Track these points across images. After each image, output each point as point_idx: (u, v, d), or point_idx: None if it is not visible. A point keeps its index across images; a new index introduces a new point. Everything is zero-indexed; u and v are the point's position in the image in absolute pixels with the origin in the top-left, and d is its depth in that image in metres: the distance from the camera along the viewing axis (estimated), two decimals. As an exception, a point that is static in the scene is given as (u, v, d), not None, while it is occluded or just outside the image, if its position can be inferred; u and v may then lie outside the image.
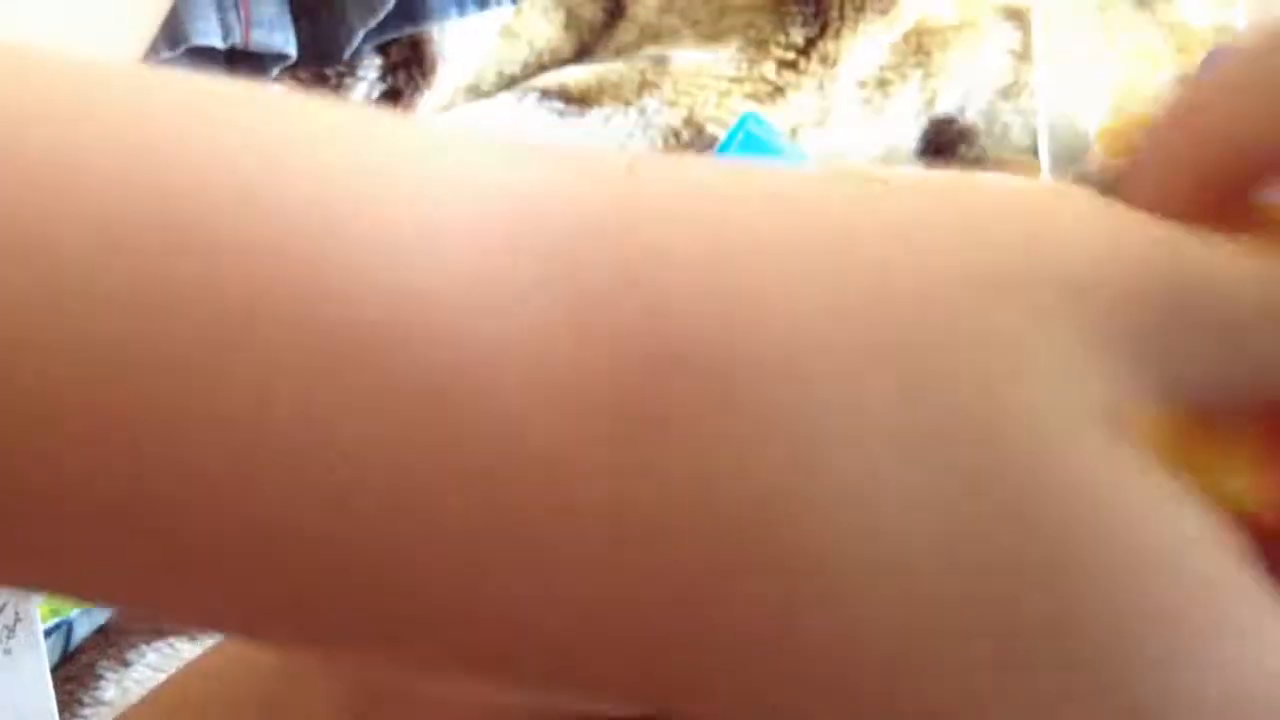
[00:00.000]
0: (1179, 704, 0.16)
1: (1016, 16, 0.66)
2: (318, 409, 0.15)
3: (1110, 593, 0.16)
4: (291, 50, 0.51)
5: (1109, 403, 0.16)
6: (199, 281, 0.15)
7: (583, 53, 0.62)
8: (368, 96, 0.53)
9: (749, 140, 0.49)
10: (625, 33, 0.63)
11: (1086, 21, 0.66)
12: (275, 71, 0.51)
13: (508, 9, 0.56)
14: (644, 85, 0.59)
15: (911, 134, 0.65)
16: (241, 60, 0.51)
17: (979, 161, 0.65)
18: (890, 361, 0.16)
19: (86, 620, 0.48)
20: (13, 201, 0.15)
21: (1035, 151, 0.64)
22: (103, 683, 0.48)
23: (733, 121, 0.57)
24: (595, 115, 0.58)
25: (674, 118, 0.58)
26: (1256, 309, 0.18)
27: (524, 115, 0.57)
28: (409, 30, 0.54)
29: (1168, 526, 0.16)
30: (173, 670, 0.34)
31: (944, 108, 0.65)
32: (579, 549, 0.15)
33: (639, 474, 0.15)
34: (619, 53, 0.62)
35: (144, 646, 0.48)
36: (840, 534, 0.15)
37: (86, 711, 0.47)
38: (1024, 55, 0.66)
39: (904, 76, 0.64)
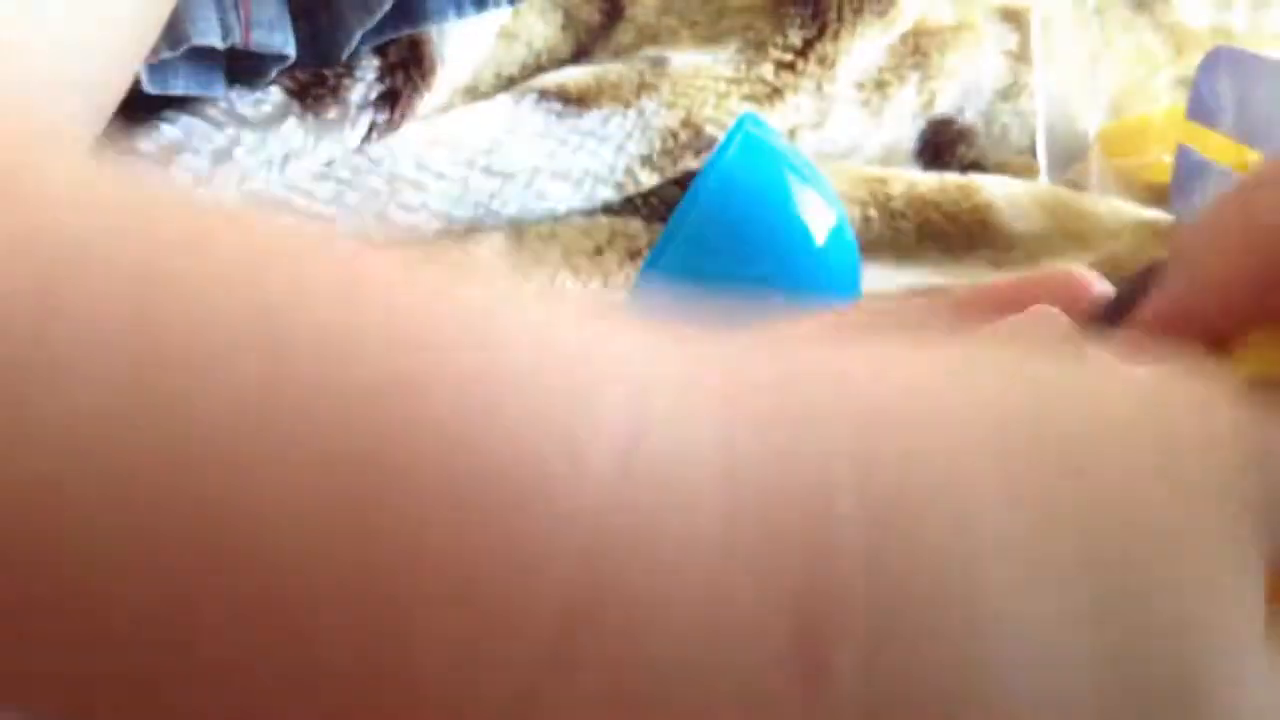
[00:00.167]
0: None
1: (1014, 18, 0.66)
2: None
3: None
4: (291, 51, 0.51)
5: (1261, 604, 0.18)
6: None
7: (581, 54, 0.62)
8: (365, 97, 0.53)
9: (748, 141, 0.49)
10: (623, 34, 0.63)
11: (1084, 23, 0.66)
12: (274, 72, 0.51)
13: (506, 10, 0.56)
14: (642, 86, 0.58)
15: (910, 135, 0.65)
16: (241, 60, 0.51)
17: (977, 163, 0.65)
18: (1085, 576, 0.17)
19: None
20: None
21: (1034, 152, 0.64)
22: None
23: (731, 122, 0.57)
24: (593, 116, 0.57)
25: (672, 119, 0.58)
26: None
27: (522, 116, 0.56)
28: (407, 31, 0.54)
29: None
30: None
31: (942, 109, 0.65)
32: None
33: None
34: (617, 54, 0.62)
35: None
36: None
37: None
38: (1022, 57, 0.66)
39: (902, 78, 0.64)
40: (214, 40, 0.48)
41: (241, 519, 0.15)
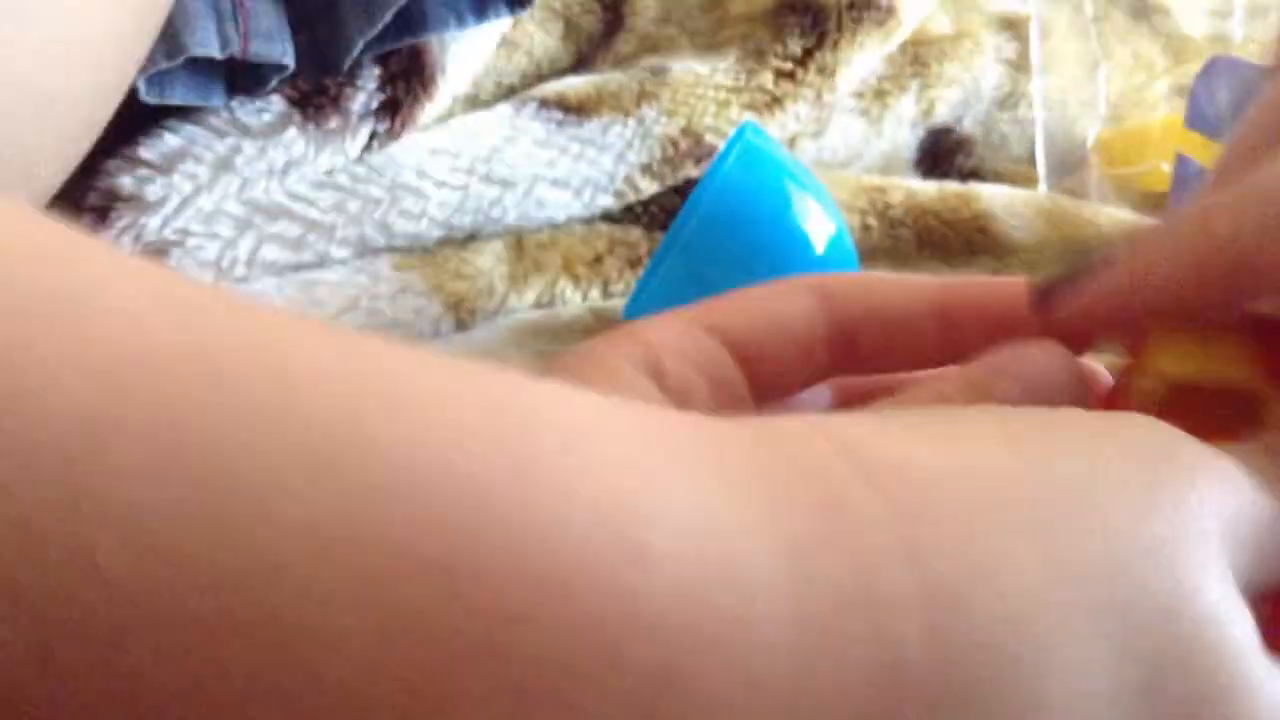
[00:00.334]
0: None
1: (1013, 27, 0.66)
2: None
3: None
4: (290, 61, 0.51)
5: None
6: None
7: (581, 63, 0.63)
8: (366, 107, 0.53)
9: (748, 150, 0.49)
10: (624, 43, 0.63)
11: (1083, 32, 0.66)
12: (274, 82, 0.52)
13: (506, 20, 0.56)
14: (642, 95, 0.59)
15: (909, 144, 0.65)
16: (241, 71, 0.52)
17: (976, 172, 0.65)
18: (1131, 650, 0.18)
19: None
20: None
21: (1032, 161, 0.65)
22: None
23: (731, 131, 0.57)
24: (594, 125, 0.58)
25: (672, 128, 0.58)
26: None
27: (522, 125, 0.57)
28: (408, 41, 0.54)
29: None
30: None
31: (941, 118, 0.65)
32: None
33: None
34: (617, 63, 0.62)
35: None
36: None
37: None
38: (1021, 65, 0.66)
39: (901, 87, 0.64)
40: (212, 51, 0.49)
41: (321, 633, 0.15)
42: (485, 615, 0.15)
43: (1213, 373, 0.25)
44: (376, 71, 0.54)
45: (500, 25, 0.57)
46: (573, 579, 0.16)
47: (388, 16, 0.51)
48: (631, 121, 0.58)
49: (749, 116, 0.59)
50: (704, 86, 0.60)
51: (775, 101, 0.60)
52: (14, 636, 0.14)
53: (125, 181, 0.49)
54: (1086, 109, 0.65)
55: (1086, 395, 0.24)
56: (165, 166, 0.50)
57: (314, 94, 0.53)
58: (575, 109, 0.58)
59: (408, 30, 0.54)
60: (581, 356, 0.28)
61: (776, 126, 0.60)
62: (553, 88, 0.59)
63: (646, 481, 0.17)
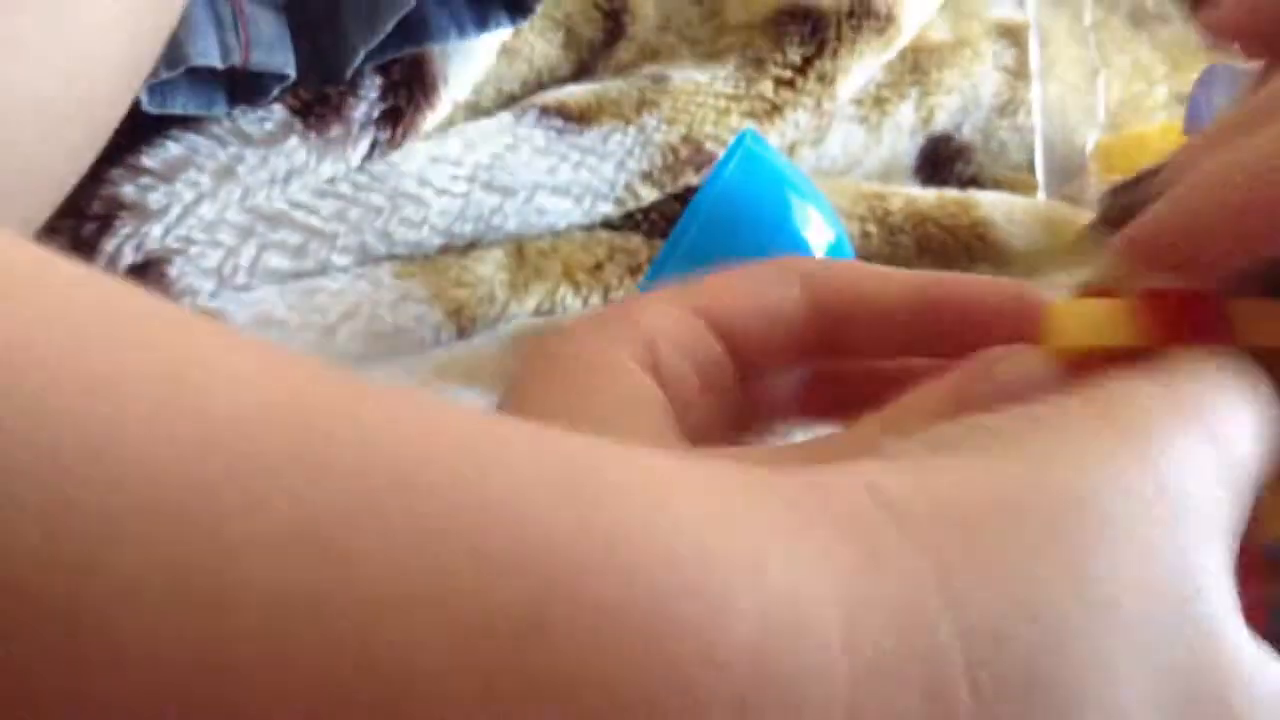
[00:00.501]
0: None
1: (1012, 34, 0.67)
2: None
3: None
4: (291, 70, 0.52)
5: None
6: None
7: (582, 71, 0.63)
8: (368, 115, 0.53)
9: (747, 158, 0.49)
10: (624, 51, 0.63)
11: (1082, 39, 0.66)
12: (276, 91, 0.52)
13: (508, 29, 0.56)
14: (643, 103, 0.59)
15: (908, 151, 0.65)
16: (242, 80, 0.52)
17: (975, 179, 0.66)
18: (1153, 662, 0.20)
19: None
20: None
21: (1031, 168, 0.65)
22: None
23: (730, 139, 0.57)
24: (594, 133, 0.58)
25: (672, 135, 0.59)
26: None
27: (523, 133, 0.57)
28: (410, 50, 0.54)
29: None
30: None
31: (941, 125, 0.65)
32: None
33: None
34: (618, 71, 0.62)
35: None
36: None
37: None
38: (1020, 73, 0.66)
39: (901, 95, 0.65)
40: (213, 61, 0.49)
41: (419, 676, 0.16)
42: (571, 664, 0.16)
43: (1098, 339, 0.26)
44: (378, 80, 0.54)
45: (501, 34, 0.58)
46: (664, 630, 0.17)
47: (390, 25, 0.52)
48: (632, 129, 0.58)
49: (749, 124, 0.59)
50: (704, 94, 0.60)
51: (775, 109, 0.60)
52: None
53: (128, 190, 0.49)
54: (1086, 116, 0.65)
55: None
56: (167, 175, 0.50)
57: (316, 103, 0.53)
58: (576, 117, 0.58)
59: (409, 39, 0.54)
60: (578, 350, 0.28)
61: (776, 134, 0.60)
62: (553, 96, 0.59)
63: (726, 542, 0.18)
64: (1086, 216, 0.59)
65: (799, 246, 0.49)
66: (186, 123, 0.51)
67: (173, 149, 0.50)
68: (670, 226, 0.54)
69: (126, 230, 0.49)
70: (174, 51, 0.47)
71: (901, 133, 0.65)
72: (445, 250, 0.55)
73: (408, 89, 0.54)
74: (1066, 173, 0.64)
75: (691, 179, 0.59)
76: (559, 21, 0.63)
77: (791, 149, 0.62)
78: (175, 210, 0.50)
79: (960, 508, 0.19)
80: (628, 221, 0.59)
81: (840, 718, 0.17)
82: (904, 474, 0.20)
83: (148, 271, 0.50)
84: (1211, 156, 0.25)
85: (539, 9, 0.57)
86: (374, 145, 0.53)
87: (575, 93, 0.59)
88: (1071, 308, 0.26)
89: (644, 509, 0.17)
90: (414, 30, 0.54)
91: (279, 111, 0.52)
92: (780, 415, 0.31)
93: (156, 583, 0.15)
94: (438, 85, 0.55)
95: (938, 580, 0.18)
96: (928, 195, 0.61)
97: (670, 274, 0.48)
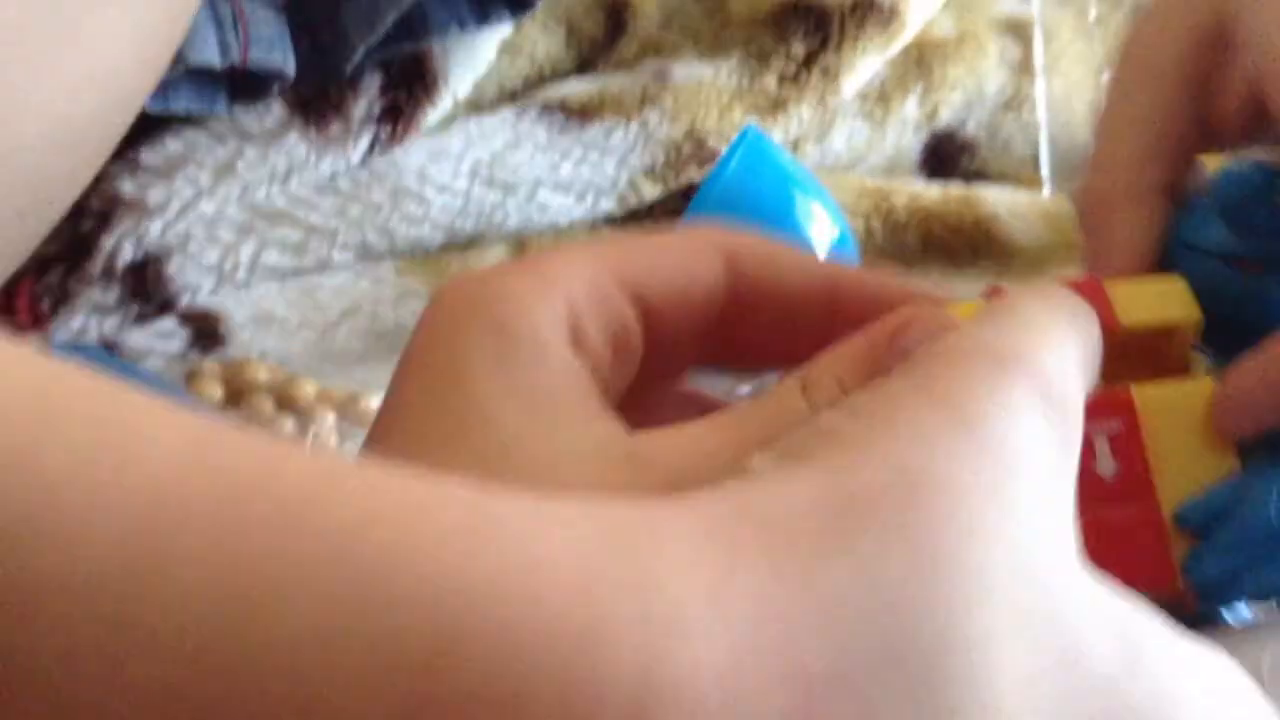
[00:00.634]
0: None
1: (1017, 29, 0.66)
2: None
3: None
4: (291, 69, 0.51)
5: None
6: None
7: (584, 66, 0.62)
8: (368, 112, 0.53)
9: (750, 153, 0.49)
10: (626, 46, 0.63)
11: (1087, 34, 0.66)
12: (275, 89, 0.52)
13: (508, 23, 0.56)
14: (645, 99, 0.59)
15: (913, 147, 0.65)
16: (241, 79, 0.51)
17: (980, 175, 0.65)
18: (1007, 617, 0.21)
19: None
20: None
21: (1036, 164, 0.64)
22: None
23: (733, 135, 0.57)
24: (596, 129, 0.58)
25: (675, 131, 0.58)
26: None
27: (524, 129, 0.57)
28: (410, 46, 0.54)
29: None
30: None
31: (945, 121, 0.65)
32: None
33: None
34: (620, 66, 0.62)
35: None
36: None
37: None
38: (1025, 68, 0.66)
39: (905, 90, 0.64)
40: (212, 60, 0.49)
41: None
42: (476, 684, 0.18)
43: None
44: (378, 77, 0.54)
45: (502, 29, 0.57)
46: (556, 648, 0.18)
47: (389, 21, 0.51)
48: (634, 125, 0.58)
49: (752, 120, 0.59)
50: (707, 90, 0.59)
51: (778, 105, 0.60)
52: None
53: (126, 186, 0.49)
54: (1090, 112, 0.65)
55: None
56: (166, 171, 0.50)
57: (315, 99, 0.53)
58: (578, 113, 0.58)
59: (409, 35, 0.54)
60: (496, 311, 0.27)
61: (779, 130, 0.60)
62: (555, 91, 0.59)
63: (609, 566, 0.19)
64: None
65: (802, 243, 0.49)
66: (186, 119, 0.51)
67: (172, 146, 0.50)
68: (673, 222, 0.54)
69: (125, 227, 0.49)
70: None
71: (906, 128, 0.65)
72: (446, 247, 0.55)
73: (408, 85, 0.54)
74: (1072, 168, 0.63)
75: (694, 175, 0.59)
76: (561, 17, 0.62)
77: (795, 145, 0.62)
78: (174, 207, 0.50)
79: (807, 510, 0.21)
80: (630, 218, 0.59)
81: (715, 711, 0.18)
82: (759, 487, 0.21)
83: (146, 268, 0.50)
84: None
85: (540, 4, 0.57)
86: (374, 142, 0.53)
87: (577, 89, 0.59)
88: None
89: (527, 547, 0.19)
90: (414, 26, 0.53)
91: (278, 108, 0.52)
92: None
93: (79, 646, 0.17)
94: (438, 82, 0.55)
95: (794, 575, 0.20)
96: (932, 191, 0.61)
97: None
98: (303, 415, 0.45)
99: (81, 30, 0.36)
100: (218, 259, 0.50)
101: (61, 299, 0.48)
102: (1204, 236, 0.32)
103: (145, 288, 0.49)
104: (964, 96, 0.65)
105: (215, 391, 0.46)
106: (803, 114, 0.61)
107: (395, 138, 0.54)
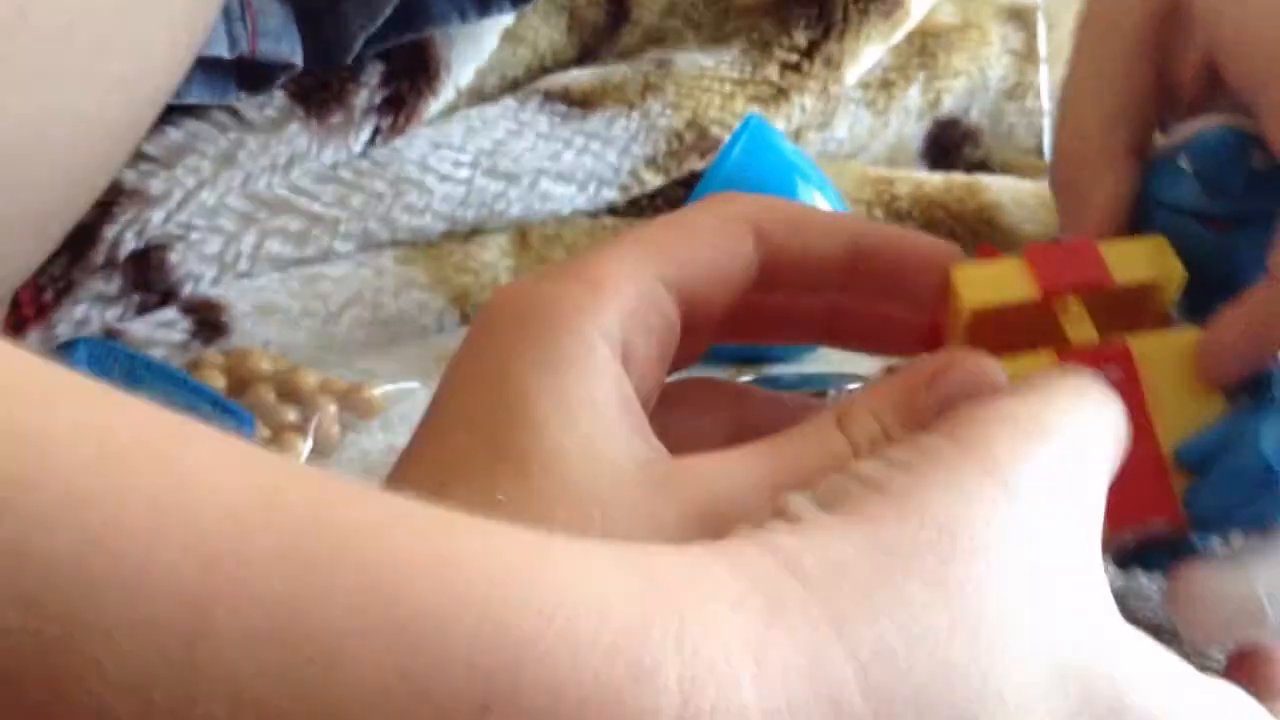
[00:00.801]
0: None
1: (1020, 17, 0.66)
2: None
3: None
4: (298, 59, 0.51)
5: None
6: None
7: (586, 56, 0.62)
8: (370, 102, 0.53)
9: (753, 142, 0.49)
10: (628, 35, 0.63)
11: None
12: (282, 79, 0.51)
13: (510, 13, 0.56)
14: (647, 88, 0.58)
15: (916, 135, 0.65)
16: (248, 68, 0.51)
17: (983, 163, 0.65)
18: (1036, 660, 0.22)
19: None
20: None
21: (1040, 152, 0.64)
22: None
23: (736, 124, 0.57)
24: (598, 118, 0.57)
25: (677, 120, 0.58)
26: None
27: (526, 118, 0.57)
28: (411, 36, 0.54)
29: None
30: None
31: (948, 109, 0.65)
32: None
33: None
34: (622, 56, 0.62)
35: None
36: None
37: None
38: (1028, 56, 0.66)
39: (908, 78, 0.64)
40: (221, 51, 0.48)
41: None
42: None
43: (1003, 295, 0.30)
44: (380, 67, 0.54)
45: (503, 19, 0.57)
46: (605, 697, 0.19)
47: (389, 9, 0.51)
48: (636, 114, 0.58)
49: (754, 109, 0.59)
50: (709, 79, 0.59)
51: (781, 94, 0.60)
52: None
53: (128, 176, 0.49)
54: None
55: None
56: (168, 161, 0.50)
57: (317, 89, 0.52)
58: (579, 102, 0.58)
59: (411, 25, 0.53)
60: (548, 330, 0.28)
61: (782, 118, 0.60)
62: (557, 81, 0.59)
63: (651, 612, 0.20)
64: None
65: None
66: (186, 109, 0.51)
67: (173, 135, 0.50)
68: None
69: (127, 216, 0.49)
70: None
71: (909, 116, 0.64)
72: (448, 237, 0.55)
73: (409, 75, 0.54)
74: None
75: (696, 164, 0.59)
76: (562, 5, 0.62)
77: (797, 133, 0.62)
78: (176, 196, 0.50)
79: (849, 561, 0.22)
80: (632, 207, 0.59)
81: None
82: (802, 535, 0.22)
83: (149, 258, 0.49)
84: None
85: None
86: (376, 132, 0.53)
87: (579, 78, 0.59)
88: (971, 272, 0.30)
89: (576, 597, 0.20)
90: (415, 16, 0.53)
91: (280, 98, 0.52)
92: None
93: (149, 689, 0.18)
94: (440, 71, 0.55)
95: (833, 626, 0.21)
96: (935, 179, 0.60)
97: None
98: (305, 405, 0.45)
99: (117, 37, 0.36)
100: (220, 248, 0.50)
101: (64, 289, 0.48)
102: (1177, 196, 0.33)
103: (147, 277, 0.49)
104: (967, 84, 0.65)
105: (218, 381, 0.45)
106: (805, 103, 0.60)
107: (397, 127, 0.54)
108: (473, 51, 0.57)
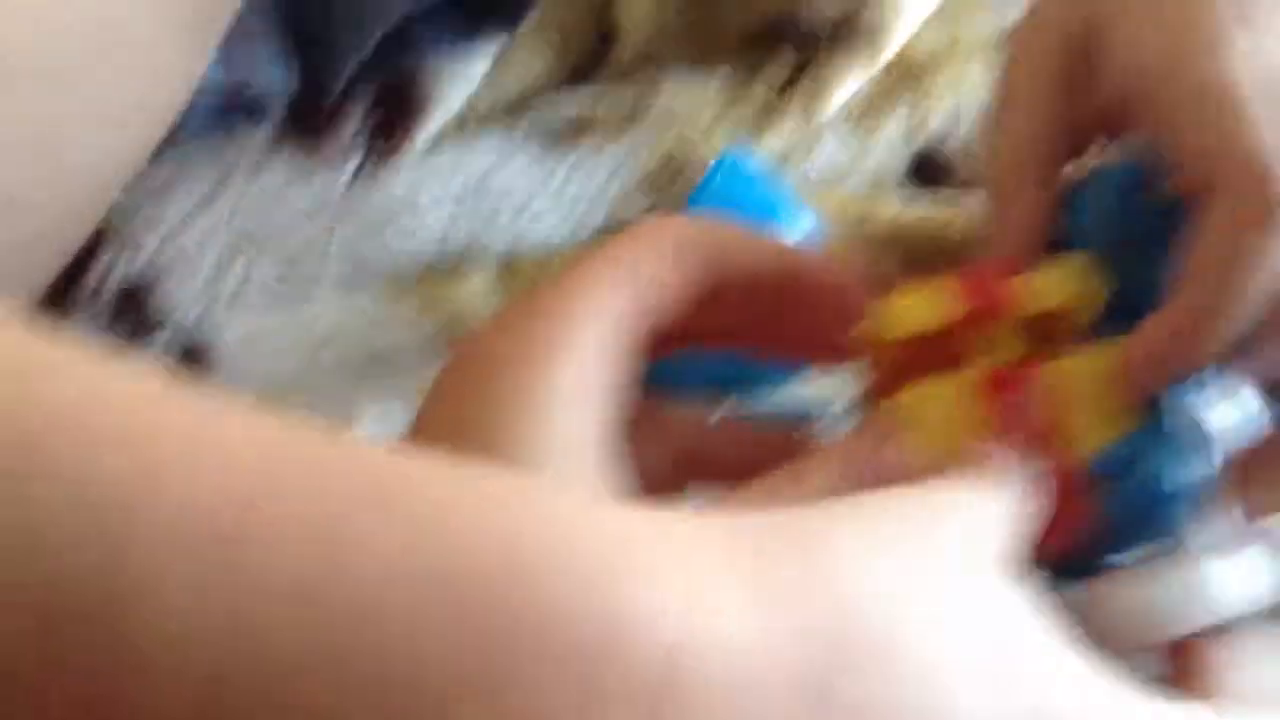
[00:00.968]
0: None
1: (1003, 43, 0.67)
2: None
3: None
4: (291, 88, 0.52)
5: None
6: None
7: (573, 82, 0.63)
8: (357, 131, 0.53)
9: (730, 176, 0.49)
10: (616, 61, 0.63)
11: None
12: (273, 109, 0.52)
13: (499, 40, 0.56)
14: (633, 114, 0.59)
15: (900, 160, 0.65)
16: (238, 100, 0.52)
17: (967, 186, 0.65)
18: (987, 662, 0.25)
19: None
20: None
21: (1022, 178, 0.65)
22: None
23: (721, 150, 0.57)
24: (586, 145, 0.58)
25: (663, 147, 0.59)
26: None
27: (514, 146, 0.57)
28: (399, 63, 0.54)
29: None
30: None
31: (932, 135, 0.65)
32: None
33: None
34: (609, 82, 0.62)
35: None
36: None
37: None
38: (1011, 82, 0.66)
39: (891, 103, 0.65)
40: (217, 82, 0.49)
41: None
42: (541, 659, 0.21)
43: (921, 323, 0.33)
44: (368, 96, 0.54)
45: (491, 46, 0.58)
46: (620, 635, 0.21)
47: (377, 36, 0.52)
48: (623, 141, 0.58)
49: (739, 135, 0.59)
50: (694, 106, 0.60)
51: (765, 121, 0.61)
52: None
53: (115, 209, 0.49)
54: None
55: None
56: (155, 195, 0.50)
57: (304, 120, 0.53)
58: (567, 130, 0.58)
59: (399, 54, 0.54)
60: (514, 378, 0.30)
61: (766, 145, 0.60)
62: (544, 108, 0.59)
63: (684, 595, 0.22)
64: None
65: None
66: (171, 142, 0.51)
67: (160, 169, 0.51)
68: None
69: (114, 250, 0.49)
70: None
71: (893, 142, 0.65)
72: (435, 268, 0.55)
73: (397, 104, 0.54)
74: (1056, 183, 0.64)
75: (683, 189, 0.59)
76: (550, 33, 0.63)
77: (781, 160, 0.62)
78: (162, 230, 0.50)
79: (822, 517, 0.25)
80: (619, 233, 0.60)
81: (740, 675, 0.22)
82: (779, 508, 0.25)
83: (135, 292, 0.50)
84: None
85: (528, 19, 0.57)
86: (364, 162, 0.54)
87: (565, 104, 0.59)
88: (896, 299, 0.34)
89: (586, 530, 0.22)
90: (403, 44, 0.54)
91: (266, 130, 0.52)
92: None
93: (187, 605, 0.19)
94: (428, 100, 0.55)
95: (815, 571, 0.24)
96: (918, 205, 0.61)
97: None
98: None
99: (115, 82, 0.37)
100: (206, 282, 0.51)
101: (51, 324, 0.48)
102: (1091, 221, 0.36)
103: (134, 311, 0.50)
104: (951, 111, 0.65)
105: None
106: (788, 130, 0.61)
107: (385, 158, 0.54)
108: (460, 79, 0.57)
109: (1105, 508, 0.32)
